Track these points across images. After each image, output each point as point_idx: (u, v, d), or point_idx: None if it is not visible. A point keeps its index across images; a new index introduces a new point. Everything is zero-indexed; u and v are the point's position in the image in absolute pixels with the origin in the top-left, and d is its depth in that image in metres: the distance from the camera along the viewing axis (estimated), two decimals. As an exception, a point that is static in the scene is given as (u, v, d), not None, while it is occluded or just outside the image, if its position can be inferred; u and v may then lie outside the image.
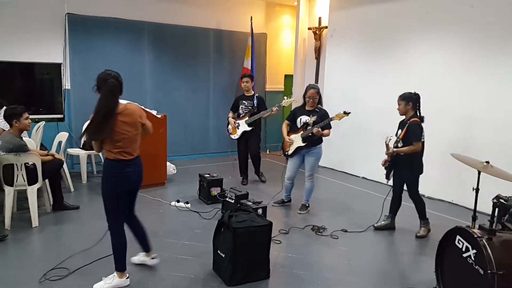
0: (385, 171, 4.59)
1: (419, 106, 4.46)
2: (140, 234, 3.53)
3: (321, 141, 5.16)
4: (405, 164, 4.43)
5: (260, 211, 4.35)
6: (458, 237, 2.97)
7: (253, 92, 6.43)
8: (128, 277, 3.32)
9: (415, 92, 4.45)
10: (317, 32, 8.24)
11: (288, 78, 9.26)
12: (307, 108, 5.12)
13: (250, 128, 6.27)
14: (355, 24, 7.18)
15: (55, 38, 6.74)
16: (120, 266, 3.27)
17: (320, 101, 5.15)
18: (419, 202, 4.58)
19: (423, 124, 4.38)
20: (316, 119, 4.94)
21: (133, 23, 7.32)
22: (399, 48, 6.44)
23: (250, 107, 6.29)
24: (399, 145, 4.41)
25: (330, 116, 4.92)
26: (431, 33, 5.96)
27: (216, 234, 3.56)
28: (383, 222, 4.76)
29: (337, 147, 7.28)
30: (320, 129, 4.86)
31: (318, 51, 8.30)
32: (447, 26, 5.76)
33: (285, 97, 6.12)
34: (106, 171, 3.17)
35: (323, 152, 5.27)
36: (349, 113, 4.80)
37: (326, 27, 7.97)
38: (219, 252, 3.46)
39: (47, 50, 6.71)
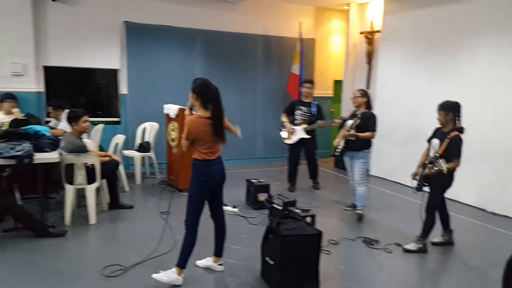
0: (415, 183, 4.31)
1: (459, 116, 4.17)
2: (220, 236, 3.64)
3: (366, 146, 5.11)
4: (435, 176, 4.11)
5: (308, 219, 4.32)
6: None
7: (311, 99, 6.33)
8: (183, 277, 3.42)
9: (456, 101, 4.17)
10: (369, 36, 8.09)
11: (337, 84, 9.16)
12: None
13: (307, 137, 6.20)
14: (410, 28, 6.97)
15: (112, 45, 7.09)
16: (182, 263, 3.40)
17: (369, 105, 5.13)
18: (430, 218, 4.23)
19: (462, 136, 4.10)
20: (360, 123, 4.98)
21: (185, 31, 7.55)
22: (456, 53, 6.18)
23: (308, 114, 6.20)
24: (443, 162, 3.98)
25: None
26: (489, 38, 5.69)
27: (265, 241, 3.58)
28: (440, 239, 4.49)
29: (389, 155, 7.09)
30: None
31: (370, 56, 8.14)
32: (505, 30, 5.48)
33: (341, 116, 6.02)
34: (195, 171, 3.37)
35: (375, 160, 5.18)
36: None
37: (379, 31, 7.79)
38: (267, 259, 3.48)
39: (106, 57, 7.08)
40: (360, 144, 5.09)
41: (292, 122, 6.30)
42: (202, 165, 3.34)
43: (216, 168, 3.41)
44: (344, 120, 5.41)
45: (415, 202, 5.78)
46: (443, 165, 3.92)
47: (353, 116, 5.21)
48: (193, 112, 3.43)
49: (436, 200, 4.27)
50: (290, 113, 6.36)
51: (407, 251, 4.25)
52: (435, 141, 4.24)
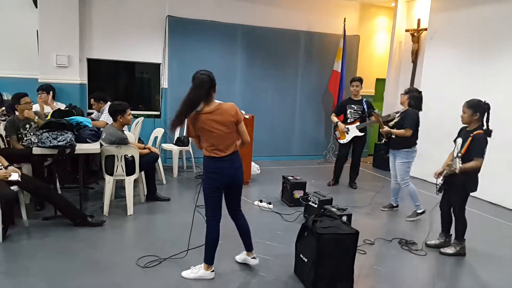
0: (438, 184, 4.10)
1: (487, 117, 3.92)
2: (242, 231, 3.55)
3: (407, 145, 4.94)
4: (458, 180, 3.90)
5: (345, 218, 4.20)
6: None
7: (361, 97, 6.32)
8: (213, 271, 3.39)
9: (485, 101, 3.92)
10: (415, 34, 7.81)
11: (380, 82, 8.89)
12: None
13: (362, 134, 6.21)
14: (458, 27, 6.65)
15: (155, 39, 7.20)
16: (207, 259, 3.36)
17: (412, 103, 4.96)
18: (462, 222, 4.07)
19: (489, 139, 3.88)
20: (399, 120, 4.98)
21: (227, 26, 7.54)
22: (504, 54, 5.84)
23: (360, 112, 6.22)
24: (458, 161, 3.83)
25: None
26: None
27: (299, 238, 3.51)
28: (436, 241, 4.30)
29: (431, 156, 6.79)
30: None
31: (415, 55, 7.86)
32: None
33: (392, 113, 5.89)
34: (204, 167, 3.31)
35: (418, 160, 4.99)
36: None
37: (425, 29, 7.50)
38: (301, 256, 3.40)
39: (148, 51, 7.19)
40: (399, 142, 4.97)
41: (345, 121, 6.32)
42: (209, 161, 3.24)
43: (226, 166, 3.24)
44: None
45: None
46: (458, 165, 3.77)
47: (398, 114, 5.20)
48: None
49: (462, 205, 4.07)
50: (340, 113, 6.39)
51: (444, 253, 4.13)
52: (459, 141, 4.07)
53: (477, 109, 3.91)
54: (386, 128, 5.04)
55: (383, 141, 5.26)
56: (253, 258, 3.61)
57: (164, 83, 7.35)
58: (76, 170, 4.74)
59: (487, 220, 5.34)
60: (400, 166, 5.04)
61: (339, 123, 6.28)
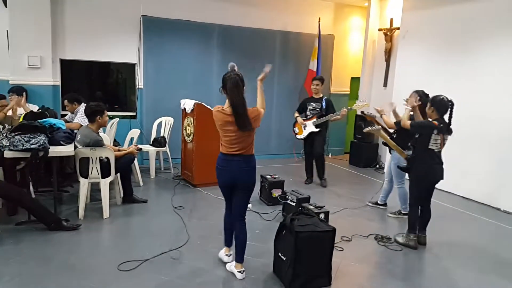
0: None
1: (450, 115, 4.03)
2: (236, 241, 3.49)
3: (401, 146, 4.93)
4: (416, 167, 4.18)
5: (322, 215, 4.25)
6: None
7: (321, 95, 6.45)
8: (229, 255, 3.67)
9: (449, 99, 4.02)
10: (388, 33, 7.98)
11: (355, 81, 9.03)
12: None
13: (317, 129, 6.30)
14: (430, 26, 6.82)
15: (130, 39, 7.10)
16: (224, 241, 3.68)
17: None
18: (410, 213, 4.27)
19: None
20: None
21: (203, 25, 7.51)
22: (476, 51, 6.04)
23: (318, 109, 6.35)
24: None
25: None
26: (510, 36, 5.53)
27: (278, 237, 3.54)
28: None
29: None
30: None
31: (388, 53, 8.03)
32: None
33: (357, 101, 6.10)
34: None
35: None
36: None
37: (398, 28, 7.67)
38: (280, 254, 3.43)
39: (123, 51, 7.09)
40: (398, 144, 4.94)
41: (305, 118, 6.49)
42: (218, 158, 3.43)
43: (232, 166, 3.32)
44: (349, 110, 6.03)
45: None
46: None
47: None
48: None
49: (412, 194, 4.25)
50: (302, 110, 6.54)
51: (396, 241, 4.34)
52: None
53: (434, 104, 4.06)
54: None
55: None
56: (239, 272, 3.45)
57: (140, 83, 7.26)
58: (50, 173, 4.63)
59: (460, 214, 5.50)
60: (394, 167, 5.04)
61: (298, 117, 6.46)
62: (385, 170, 5.51)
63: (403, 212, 5.17)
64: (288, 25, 8.30)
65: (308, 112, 6.43)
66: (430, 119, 4.14)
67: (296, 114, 6.54)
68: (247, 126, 3.28)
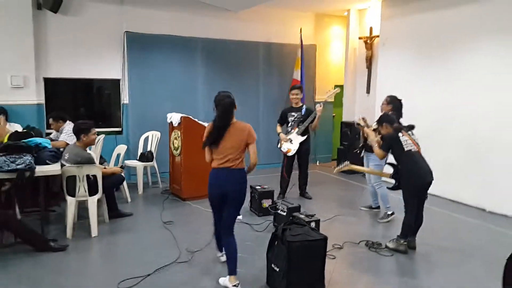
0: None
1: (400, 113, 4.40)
2: (226, 254, 3.55)
3: None
4: (402, 175, 4.30)
5: (313, 224, 4.28)
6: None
7: (301, 104, 6.27)
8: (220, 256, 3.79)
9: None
10: (368, 41, 8.13)
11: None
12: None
13: (304, 137, 6.08)
14: (408, 33, 6.99)
15: (114, 55, 7.08)
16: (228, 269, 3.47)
17: (397, 113, 4.96)
18: (405, 219, 4.29)
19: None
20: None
21: (187, 39, 7.55)
22: (453, 57, 6.20)
23: (299, 118, 6.14)
24: None
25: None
26: (488, 41, 5.70)
27: (270, 248, 3.54)
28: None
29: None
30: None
31: (369, 61, 8.17)
32: (504, 33, 5.48)
33: (328, 91, 6.30)
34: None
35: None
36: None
37: (377, 36, 7.82)
38: (273, 266, 3.43)
39: (107, 67, 7.07)
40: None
41: (286, 131, 6.21)
42: (210, 173, 3.53)
43: (223, 179, 3.43)
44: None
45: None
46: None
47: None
48: None
49: (403, 199, 4.32)
50: (283, 122, 6.29)
51: (386, 247, 4.36)
52: None
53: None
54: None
55: (360, 145, 5.42)
56: (234, 286, 3.40)
57: (125, 98, 7.23)
58: (37, 193, 4.56)
59: (447, 216, 5.58)
60: (373, 168, 5.19)
61: (281, 135, 6.13)
62: (366, 175, 5.58)
63: (388, 213, 5.27)
64: (271, 36, 8.39)
65: (290, 123, 6.20)
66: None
67: (278, 128, 6.28)
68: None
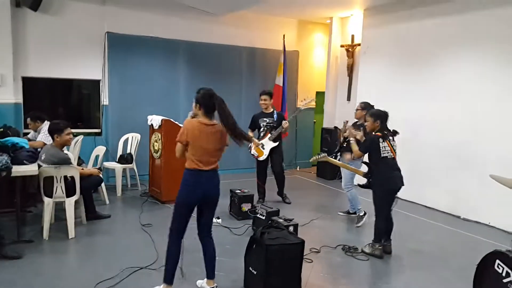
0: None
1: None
2: (207, 257, 3.46)
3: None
4: (375, 179, 4.40)
5: (291, 228, 4.32)
6: (497, 261, 2.87)
7: (272, 109, 6.24)
8: None
9: (384, 111, 4.42)
10: (350, 49, 8.26)
11: (320, 95, 9.25)
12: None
13: (276, 144, 6.10)
14: (389, 42, 7.15)
15: (94, 55, 7.02)
16: (166, 277, 3.30)
17: None
18: (377, 223, 4.41)
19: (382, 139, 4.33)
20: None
21: (169, 42, 7.53)
22: (434, 66, 6.36)
23: (271, 124, 6.13)
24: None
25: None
26: (466, 51, 5.89)
27: (248, 251, 3.57)
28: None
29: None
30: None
31: (350, 68, 8.30)
32: (482, 43, 5.67)
33: (303, 100, 6.47)
34: (182, 178, 3.32)
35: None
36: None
37: (359, 45, 7.97)
38: (250, 269, 3.46)
39: (87, 68, 7.00)
40: (349, 151, 5.09)
41: (258, 136, 6.20)
42: (189, 174, 3.27)
43: (204, 181, 3.28)
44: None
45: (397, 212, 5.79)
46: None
47: (353, 126, 5.26)
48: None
49: (376, 206, 4.41)
50: (255, 127, 6.27)
51: (362, 252, 4.45)
52: None
53: (378, 118, 4.38)
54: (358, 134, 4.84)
55: (336, 149, 5.48)
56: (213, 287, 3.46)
57: (105, 100, 7.17)
58: (13, 193, 4.48)
59: (423, 223, 5.70)
60: (344, 173, 5.33)
61: (253, 139, 5.94)
62: (343, 179, 5.62)
63: (360, 214, 5.40)
64: (254, 41, 8.45)
65: (262, 129, 6.17)
66: (373, 131, 4.42)
67: (250, 133, 6.14)
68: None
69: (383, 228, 4.41)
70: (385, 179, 4.31)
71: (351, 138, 4.63)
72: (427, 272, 4.14)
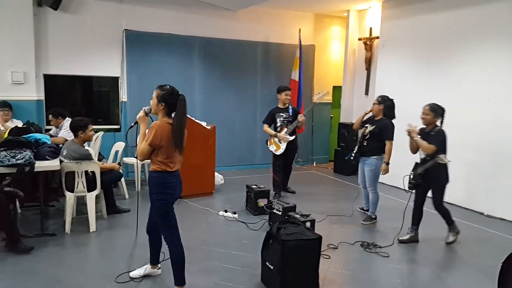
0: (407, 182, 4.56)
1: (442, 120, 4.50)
2: (159, 243, 3.53)
3: (376, 152, 5.09)
4: (432, 174, 4.37)
5: (308, 224, 4.33)
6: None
7: (287, 104, 6.34)
8: None
9: (442, 106, 4.46)
10: (367, 42, 8.17)
11: (337, 90, 9.20)
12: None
13: (293, 137, 6.19)
14: (408, 34, 7.03)
15: (113, 53, 7.14)
16: (181, 281, 3.30)
17: (387, 113, 5.14)
18: (443, 211, 4.57)
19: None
20: (374, 130, 5.06)
21: (185, 38, 7.60)
22: (454, 59, 6.24)
23: (288, 119, 6.24)
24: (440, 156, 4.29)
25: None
26: (487, 44, 5.75)
27: (265, 246, 3.59)
28: (407, 236, 4.64)
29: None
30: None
31: (368, 62, 8.21)
32: (504, 36, 5.53)
33: (317, 93, 6.51)
34: (155, 185, 3.21)
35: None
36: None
37: (377, 37, 7.87)
38: (267, 263, 3.49)
39: (106, 65, 7.12)
40: (370, 150, 5.10)
41: (275, 130, 6.30)
42: (164, 177, 3.16)
43: (176, 181, 3.23)
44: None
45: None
46: (445, 159, 4.20)
47: (369, 121, 5.25)
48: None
49: (440, 197, 4.49)
50: (272, 122, 6.36)
51: (450, 243, 4.59)
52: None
53: (439, 113, 4.43)
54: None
55: (355, 150, 5.26)
56: (159, 269, 3.67)
57: (123, 96, 7.28)
58: (36, 188, 4.61)
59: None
60: (368, 173, 5.17)
61: (279, 134, 6.16)
62: (359, 177, 5.51)
63: (372, 217, 5.32)
64: (269, 36, 8.44)
65: (278, 124, 6.26)
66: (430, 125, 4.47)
67: (268, 128, 6.31)
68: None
69: (449, 211, 4.57)
70: (447, 172, 4.41)
71: (415, 136, 4.45)
72: (449, 269, 4.11)
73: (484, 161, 5.77)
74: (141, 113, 3.30)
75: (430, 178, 4.40)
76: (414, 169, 4.53)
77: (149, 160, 3.27)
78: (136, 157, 5.98)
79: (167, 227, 3.26)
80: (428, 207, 4.65)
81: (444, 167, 4.36)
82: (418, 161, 4.55)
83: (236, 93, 8.23)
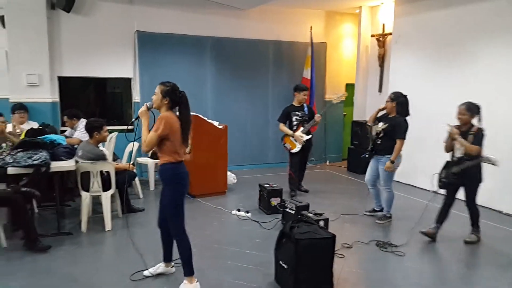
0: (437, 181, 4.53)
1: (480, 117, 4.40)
2: (171, 241, 3.53)
3: (391, 151, 4.96)
4: (470, 172, 4.33)
5: (321, 223, 4.31)
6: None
7: (302, 103, 6.40)
8: (197, 281, 3.41)
9: (477, 104, 4.36)
10: (380, 39, 8.09)
11: (349, 87, 9.12)
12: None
13: (310, 136, 6.25)
14: (422, 30, 6.94)
15: (126, 54, 7.20)
16: (191, 271, 3.38)
17: (400, 110, 5.05)
18: (475, 211, 4.53)
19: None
20: (387, 128, 4.98)
21: (196, 38, 7.62)
22: (467, 55, 6.13)
23: (303, 117, 6.29)
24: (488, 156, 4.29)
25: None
26: (502, 40, 5.64)
27: (278, 245, 3.59)
28: (430, 229, 4.59)
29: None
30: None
31: (382, 59, 8.13)
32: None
33: (335, 94, 6.54)
34: (168, 177, 3.35)
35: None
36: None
37: (390, 34, 7.78)
38: (281, 263, 3.48)
39: (119, 66, 7.19)
40: (384, 149, 5.03)
41: (290, 129, 6.32)
42: (177, 167, 3.29)
43: (186, 172, 3.38)
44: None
45: (422, 203, 5.58)
46: (493, 159, 4.21)
47: (382, 119, 5.17)
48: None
49: (474, 195, 4.47)
50: (286, 120, 6.38)
51: (469, 242, 4.51)
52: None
53: (476, 112, 4.35)
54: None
55: (369, 148, 5.22)
56: (173, 267, 3.71)
57: (136, 97, 7.35)
58: (52, 188, 4.70)
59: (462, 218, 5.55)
60: (383, 172, 5.07)
61: (296, 134, 6.19)
62: (366, 177, 5.41)
63: (387, 215, 5.24)
64: (281, 34, 8.41)
65: (294, 122, 6.28)
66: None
67: (284, 127, 6.33)
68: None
69: (479, 212, 4.55)
70: (482, 172, 4.40)
71: (458, 137, 4.35)
72: (470, 268, 4.06)
73: (498, 159, 5.64)
74: (143, 108, 3.39)
75: (466, 177, 4.35)
76: (446, 168, 4.47)
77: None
78: (151, 157, 6.08)
79: (177, 220, 3.35)
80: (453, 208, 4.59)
81: (480, 166, 4.34)
82: (449, 159, 4.52)
83: (248, 92, 8.23)
